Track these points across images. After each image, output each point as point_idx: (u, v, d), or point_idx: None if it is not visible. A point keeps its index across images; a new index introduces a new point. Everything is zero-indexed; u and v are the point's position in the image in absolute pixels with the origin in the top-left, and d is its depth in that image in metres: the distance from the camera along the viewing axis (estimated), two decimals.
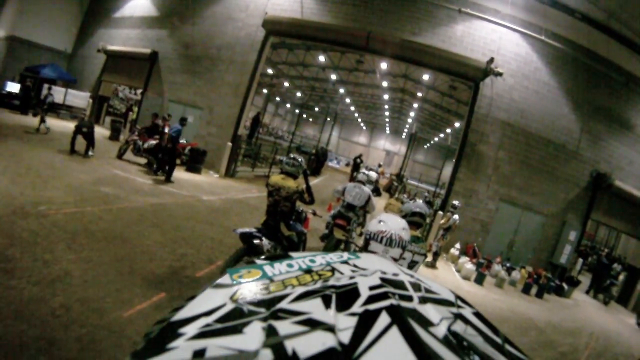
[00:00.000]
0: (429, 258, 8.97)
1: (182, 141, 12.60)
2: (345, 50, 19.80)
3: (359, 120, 52.83)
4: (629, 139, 12.08)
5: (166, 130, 10.39)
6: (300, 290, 0.67)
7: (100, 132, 15.07)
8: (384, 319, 0.56)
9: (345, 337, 0.52)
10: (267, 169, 15.86)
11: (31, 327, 2.87)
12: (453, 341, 0.56)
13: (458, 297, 0.78)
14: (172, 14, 15.61)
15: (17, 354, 2.61)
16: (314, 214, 5.28)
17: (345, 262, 0.86)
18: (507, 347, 0.63)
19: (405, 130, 47.62)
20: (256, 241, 3.96)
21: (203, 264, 5.08)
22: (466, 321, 0.65)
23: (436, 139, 43.14)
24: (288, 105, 54.86)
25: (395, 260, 1.82)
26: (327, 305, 0.60)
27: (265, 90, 38.58)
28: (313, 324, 0.54)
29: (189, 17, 14.98)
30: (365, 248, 1.85)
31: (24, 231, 4.54)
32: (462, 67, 11.13)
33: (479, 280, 8.89)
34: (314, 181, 17.80)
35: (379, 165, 28.29)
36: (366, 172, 7.17)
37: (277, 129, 50.80)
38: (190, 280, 4.54)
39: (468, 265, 9.18)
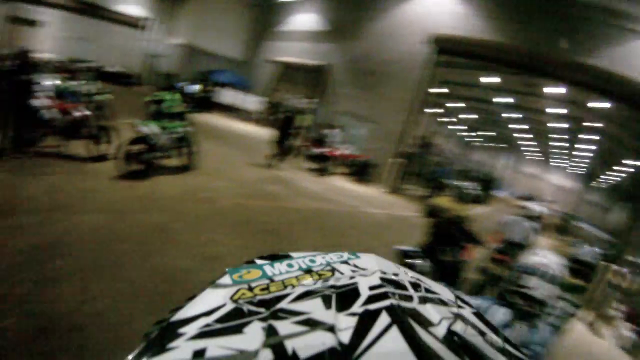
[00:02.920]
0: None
1: (345, 152, 13.31)
2: (517, 72, 18.53)
3: (530, 149, 47.46)
4: None
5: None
6: (301, 290, 0.66)
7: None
8: (384, 319, 0.56)
9: (345, 337, 0.52)
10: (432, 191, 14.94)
11: (181, 292, 2.98)
12: (453, 341, 0.56)
13: (458, 297, 0.76)
14: (340, 29, 16.45)
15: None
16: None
17: (345, 262, 0.83)
18: (508, 347, 0.63)
19: (581, 165, 40.98)
20: (414, 260, 3.92)
21: None
22: (466, 321, 0.64)
23: (617, 178, 36.07)
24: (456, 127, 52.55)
25: (545, 304, 1.70)
26: (327, 305, 0.60)
27: (433, 110, 37.91)
28: (313, 324, 0.55)
29: (356, 33, 15.69)
30: (516, 282, 1.77)
31: (190, 211, 4.98)
32: None
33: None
34: (477, 209, 16.84)
35: (549, 201, 25.47)
36: (530, 205, 6.77)
37: (446, 151, 49.13)
38: None
39: (625, 331, 7.26)
